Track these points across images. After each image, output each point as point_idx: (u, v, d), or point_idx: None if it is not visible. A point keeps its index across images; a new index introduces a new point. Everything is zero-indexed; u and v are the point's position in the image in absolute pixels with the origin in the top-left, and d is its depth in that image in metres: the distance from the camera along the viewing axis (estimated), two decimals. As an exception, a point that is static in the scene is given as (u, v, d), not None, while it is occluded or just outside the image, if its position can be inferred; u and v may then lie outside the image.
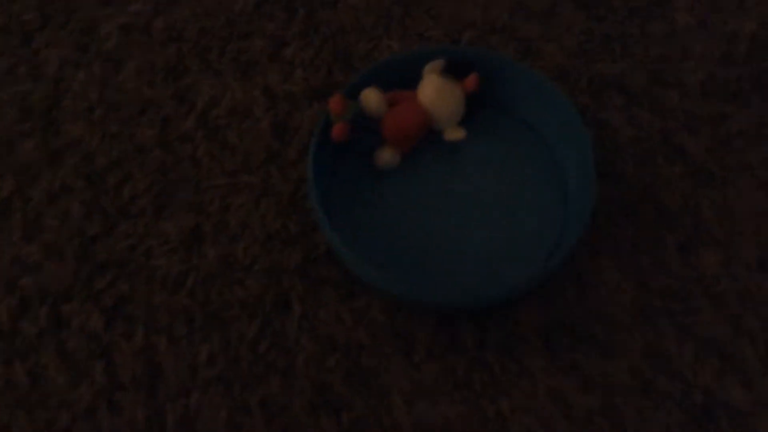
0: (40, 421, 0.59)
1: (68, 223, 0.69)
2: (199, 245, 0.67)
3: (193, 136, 0.73)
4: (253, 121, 0.74)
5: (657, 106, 0.74)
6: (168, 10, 0.80)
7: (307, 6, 0.80)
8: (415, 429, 0.58)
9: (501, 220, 0.66)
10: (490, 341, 0.62)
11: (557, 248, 0.65)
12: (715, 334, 0.62)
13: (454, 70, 0.70)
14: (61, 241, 0.68)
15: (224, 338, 0.62)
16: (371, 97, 0.65)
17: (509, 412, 0.59)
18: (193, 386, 0.60)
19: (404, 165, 0.70)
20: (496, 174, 0.69)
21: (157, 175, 0.71)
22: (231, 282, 0.65)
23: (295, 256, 0.67)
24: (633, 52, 0.77)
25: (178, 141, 0.73)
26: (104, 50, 0.78)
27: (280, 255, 0.67)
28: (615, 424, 0.58)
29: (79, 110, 0.75)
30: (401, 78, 0.69)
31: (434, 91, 0.68)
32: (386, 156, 0.68)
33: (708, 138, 0.72)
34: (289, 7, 0.80)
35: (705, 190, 0.70)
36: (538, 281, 0.58)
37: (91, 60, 0.77)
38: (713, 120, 0.73)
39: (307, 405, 0.59)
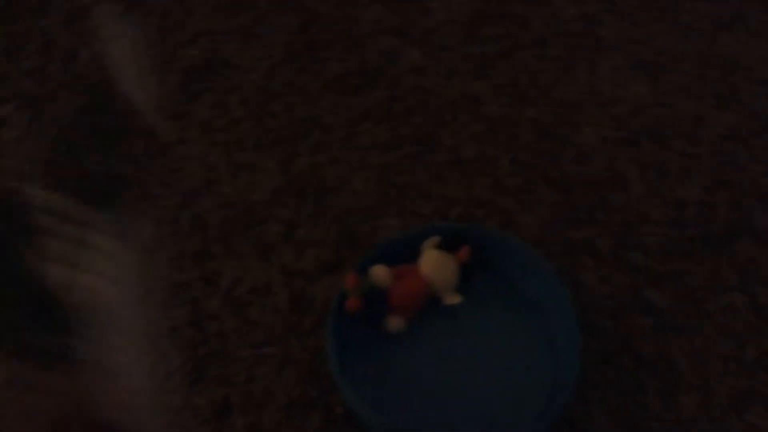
0: None
1: (110, 398, 0.76)
2: (228, 415, 0.74)
3: (220, 314, 0.82)
4: (272, 297, 0.84)
5: (624, 265, 0.85)
6: (194, 203, 0.92)
7: (316, 192, 0.93)
8: None
9: (498, 374, 0.75)
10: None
11: (551, 402, 0.73)
12: (699, 470, 0.70)
13: (448, 244, 0.81)
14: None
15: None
16: (380, 273, 0.76)
17: None
18: None
19: (410, 329, 0.79)
20: (490, 333, 0.78)
21: (188, 351, 0.79)
22: (261, 446, 0.72)
23: (315, 418, 0.74)
24: (597, 219, 0.90)
25: (206, 320, 0.82)
26: (139, 243, 0.89)
27: (302, 419, 0.74)
28: None
29: (118, 294, 0.84)
30: (403, 253, 0.80)
31: (433, 263, 0.79)
32: (394, 322, 0.78)
33: (672, 292, 0.83)
34: (300, 193, 0.92)
35: (676, 338, 0.79)
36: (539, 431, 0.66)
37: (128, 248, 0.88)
38: (674, 276, 0.84)
39: None
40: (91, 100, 1.02)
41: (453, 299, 0.80)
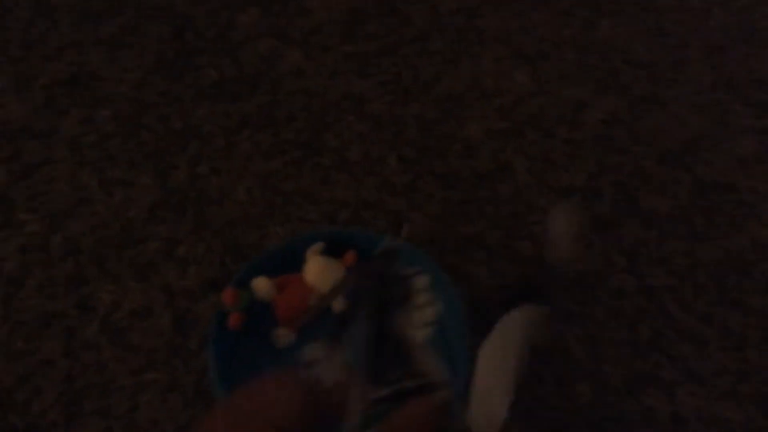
0: None
1: (-26, 447, 0.70)
2: (110, 449, 0.69)
3: (98, 341, 0.77)
4: (153, 320, 0.79)
5: (514, 256, 0.85)
6: (64, 226, 0.86)
7: (197, 205, 0.88)
8: None
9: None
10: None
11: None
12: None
13: (334, 249, 0.78)
14: (-32, 467, 0.68)
15: None
16: (261, 285, 0.72)
17: None
18: None
19: (300, 341, 0.76)
20: (384, 338, 0.76)
21: (64, 385, 0.74)
22: (144, 481, 0.67)
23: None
24: (487, 212, 0.89)
25: (82, 349, 0.76)
26: (4, 272, 0.82)
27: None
28: None
29: (-19, 332, 0.77)
30: (287, 262, 0.77)
31: (318, 270, 0.76)
32: (283, 335, 0.74)
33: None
34: (179, 208, 0.88)
35: (569, 326, 0.79)
36: None
37: (-9, 282, 0.81)
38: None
39: None
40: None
41: (342, 306, 0.77)
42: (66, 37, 1.06)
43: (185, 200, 0.89)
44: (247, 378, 0.72)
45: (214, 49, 1.05)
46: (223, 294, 0.70)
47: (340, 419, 0.39)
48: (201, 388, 0.74)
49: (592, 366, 0.76)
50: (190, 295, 0.81)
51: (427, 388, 0.40)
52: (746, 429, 0.71)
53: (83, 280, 0.82)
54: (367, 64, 1.05)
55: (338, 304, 0.77)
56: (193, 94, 0.99)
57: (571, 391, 0.74)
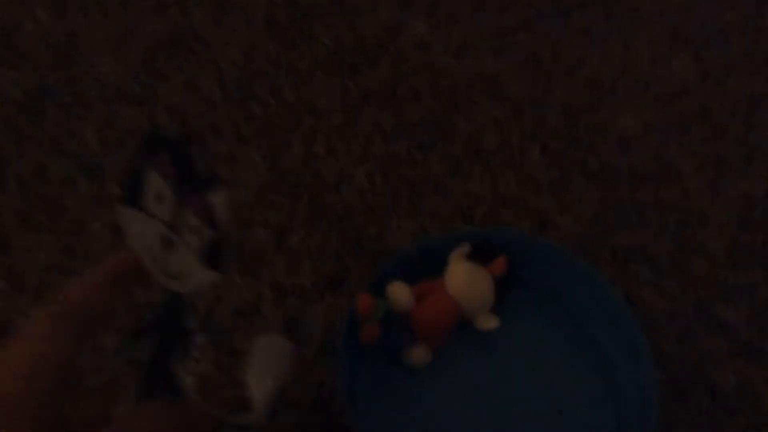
0: None
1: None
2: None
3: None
4: (261, 321, 0.68)
5: (686, 276, 0.71)
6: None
7: (312, 190, 0.77)
8: None
9: (547, 418, 0.60)
10: None
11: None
12: None
13: (479, 255, 0.66)
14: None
15: None
16: (399, 293, 0.60)
17: None
18: None
19: (436, 361, 0.64)
20: (535, 365, 0.63)
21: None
22: None
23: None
24: (649, 219, 0.75)
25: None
26: (95, 252, 0.71)
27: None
28: None
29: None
30: (424, 266, 0.65)
31: (463, 280, 0.63)
32: (418, 354, 0.62)
33: (747, 308, 0.69)
34: (292, 192, 0.76)
35: (757, 366, 0.65)
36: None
37: (79, 264, 0.71)
38: (747, 288, 0.70)
39: None
40: None
41: (488, 323, 0.65)
42: (166, -7, 0.95)
43: (299, 184, 0.77)
44: (372, 398, 0.61)
45: (330, 14, 0.93)
46: (359, 301, 0.58)
47: None
48: (318, 407, 0.62)
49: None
50: (304, 294, 0.69)
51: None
52: None
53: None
54: (501, 40, 0.92)
55: (484, 322, 0.65)
56: (308, 64, 0.87)
57: (765, 449, 0.61)
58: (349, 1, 0.95)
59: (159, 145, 0.53)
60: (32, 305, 0.68)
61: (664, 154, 0.80)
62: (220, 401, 0.62)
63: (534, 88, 0.87)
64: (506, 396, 0.62)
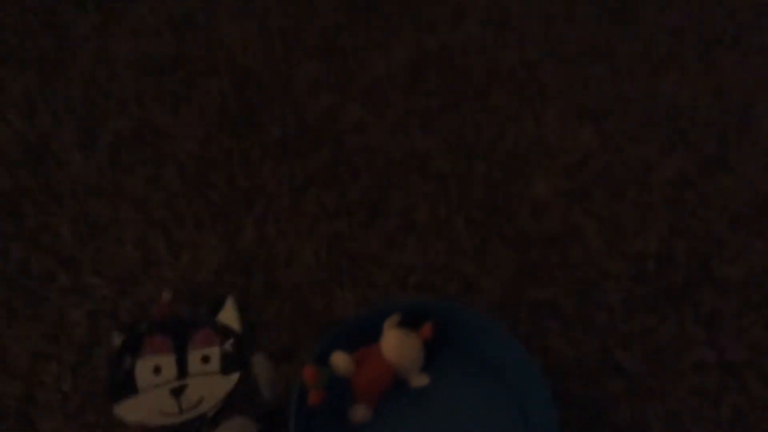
0: None
1: None
2: None
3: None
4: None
5: (590, 326, 0.83)
6: (132, 291, 0.85)
7: (265, 268, 0.87)
8: None
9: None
10: None
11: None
12: None
13: (409, 320, 0.77)
14: None
15: None
16: (340, 361, 0.71)
17: None
18: None
19: (376, 417, 0.74)
20: (463, 413, 0.74)
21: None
22: None
23: None
24: (558, 277, 0.87)
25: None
26: (75, 340, 0.81)
27: None
28: None
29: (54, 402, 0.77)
30: (363, 333, 0.76)
31: (396, 345, 0.74)
32: (360, 413, 0.73)
33: (641, 352, 0.81)
34: (247, 271, 0.87)
35: (650, 402, 0.77)
36: None
37: (62, 350, 0.80)
38: (642, 334, 0.82)
39: None
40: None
41: (420, 381, 0.76)
42: (128, 90, 1.06)
43: (253, 263, 0.88)
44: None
45: (276, 103, 1.05)
46: (304, 372, 0.68)
47: None
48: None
49: (677, 447, 0.74)
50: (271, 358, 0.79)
51: None
52: None
53: (153, 347, 0.81)
54: (429, 119, 1.04)
55: (416, 380, 0.76)
56: (258, 151, 0.99)
57: (656, 474, 0.72)
58: (293, 90, 1.07)
59: (136, 337, 0.76)
60: (27, 396, 0.77)
61: (570, 218, 0.93)
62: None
63: (458, 163, 0.99)
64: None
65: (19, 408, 0.76)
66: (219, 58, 1.10)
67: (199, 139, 1.00)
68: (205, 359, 0.77)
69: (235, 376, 0.76)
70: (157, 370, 0.75)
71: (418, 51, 1.13)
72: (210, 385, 0.76)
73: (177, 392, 0.74)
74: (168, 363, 0.76)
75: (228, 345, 0.78)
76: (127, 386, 0.74)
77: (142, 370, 0.75)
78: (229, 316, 0.80)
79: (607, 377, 0.79)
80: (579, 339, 0.82)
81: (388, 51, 1.13)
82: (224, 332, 0.78)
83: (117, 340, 0.78)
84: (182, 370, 0.76)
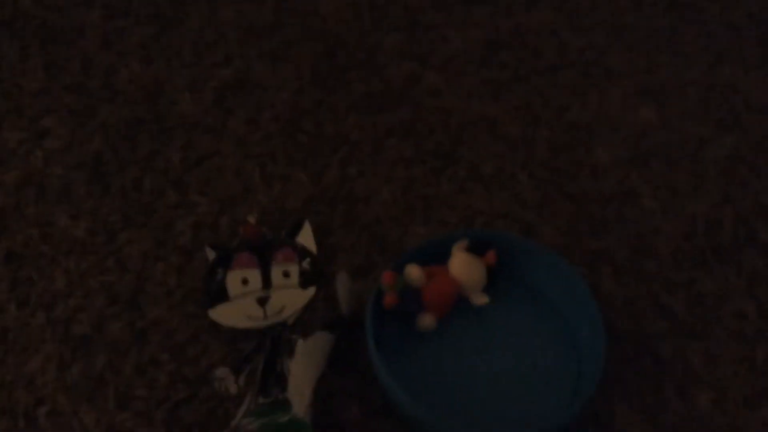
0: None
1: (156, 392, 0.79)
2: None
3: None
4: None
5: (640, 273, 0.91)
6: (232, 209, 0.96)
7: (346, 202, 0.98)
8: None
9: (524, 371, 0.80)
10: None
11: (576, 396, 0.77)
12: (718, 458, 0.74)
13: (475, 248, 0.86)
14: (150, 408, 0.78)
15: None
16: (414, 272, 0.81)
17: None
18: None
19: (440, 327, 0.83)
20: (516, 333, 0.83)
21: (229, 346, 0.83)
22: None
23: (354, 409, 0.78)
24: (613, 230, 0.95)
25: (246, 316, 0.86)
26: (180, 244, 0.93)
27: (341, 410, 0.78)
28: None
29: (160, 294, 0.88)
30: (434, 255, 0.85)
31: (462, 265, 0.83)
32: (426, 321, 0.82)
33: (685, 299, 0.88)
34: (331, 203, 0.97)
35: (690, 341, 0.84)
36: (565, 424, 0.71)
37: (169, 253, 0.92)
38: (687, 284, 0.90)
39: None
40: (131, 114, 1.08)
41: (481, 300, 0.85)
42: (233, 47, 1.18)
43: (336, 197, 0.98)
44: (391, 356, 0.80)
45: (362, 67, 1.16)
46: (384, 275, 0.78)
47: None
48: (351, 359, 0.82)
49: (712, 380, 0.81)
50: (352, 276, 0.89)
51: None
52: None
53: (246, 258, 0.92)
54: (500, 89, 1.14)
55: (477, 299, 0.85)
56: (345, 105, 1.10)
57: (691, 400, 0.79)
58: (378, 57, 1.18)
59: (226, 253, 0.91)
60: (137, 287, 0.89)
61: (627, 181, 1.01)
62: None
63: (525, 129, 1.08)
64: (493, 355, 0.81)
65: (129, 297, 0.88)
66: (313, 26, 1.22)
67: (293, 90, 1.11)
68: (286, 274, 0.88)
69: (311, 290, 0.87)
70: (245, 281, 0.88)
71: (493, 31, 1.23)
72: (290, 297, 0.87)
73: (262, 301, 0.86)
74: (254, 276, 0.88)
75: (305, 263, 0.89)
76: (219, 294, 0.86)
77: (232, 281, 0.87)
78: (306, 238, 0.91)
79: (653, 318, 0.87)
80: (629, 283, 0.90)
81: (465, 29, 1.23)
82: (302, 252, 0.90)
83: (211, 255, 0.89)
84: (266, 283, 0.88)
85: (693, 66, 1.18)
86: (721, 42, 1.22)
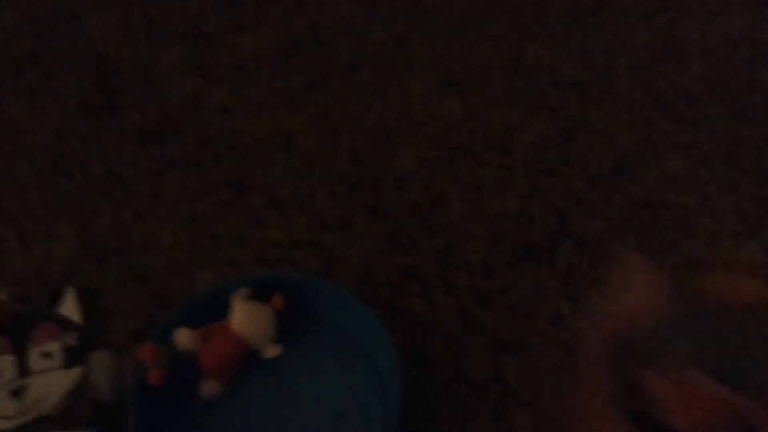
0: None
1: None
2: None
3: None
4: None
5: (450, 287, 0.84)
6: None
7: (120, 254, 0.85)
8: None
9: (329, 423, 0.71)
10: None
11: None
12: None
13: (261, 294, 0.76)
14: None
15: None
16: (183, 337, 0.70)
17: None
18: None
19: (228, 390, 0.73)
20: (317, 381, 0.74)
21: None
22: None
23: None
24: (420, 244, 0.88)
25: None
26: None
27: None
28: None
29: None
30: (210, 310, 0.74)
31: (245, 317, 0.73)
32: (208, 387, 0.72)
33: (498, 309, 0.82)
34: (101, 258, 0.85)
35: (505, 356, 0.78)
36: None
37: None
38: (499, 292, 0.83)
39: None
40: None
41: (272, 351, 0.75)
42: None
43: (107, 250, 0.86)
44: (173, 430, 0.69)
45: (137, 90, 1.03)
46: (139, 351, 0.67)
47: None
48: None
49: (530, 397, 0.75)
50: (115, 352, 0.77)
51: None
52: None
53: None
54: (295, 98, 1.04)
55: (269, 351, 0.75)
56: (116, 138, 0.96)
57: (508, 424, 0.73)
58: (154, 75, 1.05)
59: None
60: None
61: (433, 185, 0.93)
62: None
63: (323, 140, 0.98)
64: (293, 411, 0.72)
65: None
66: (78, 50, 1.08)
67: (54, 130, 0.97)
68: (47, 355, 0.75)
69: (77, 370, 0.74)
70: None
71: (286, 32, 1.13)
72: (52, 382, 0.74)
73: (17, 392, 0.72)
74: (7, 363, 0.75)
75: (70, 338, 0.76)
76: None
77: None
78: (70, 307, 0.78)
79: (465, 335, 0.80)
80: (438, 300, 0.83)
81: (255, 33, 1.12)
82: (66, 325, 0.77)
83: None
84: (23, 370, 0.74)
85: (498, 47, 1.12)
86: (527, 16, 1.17)
